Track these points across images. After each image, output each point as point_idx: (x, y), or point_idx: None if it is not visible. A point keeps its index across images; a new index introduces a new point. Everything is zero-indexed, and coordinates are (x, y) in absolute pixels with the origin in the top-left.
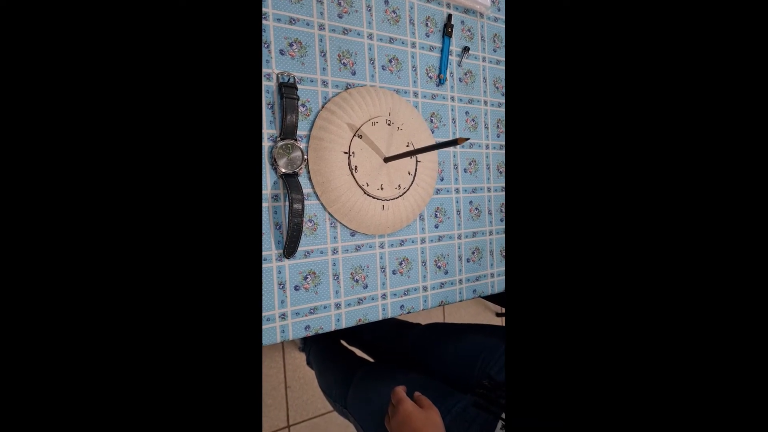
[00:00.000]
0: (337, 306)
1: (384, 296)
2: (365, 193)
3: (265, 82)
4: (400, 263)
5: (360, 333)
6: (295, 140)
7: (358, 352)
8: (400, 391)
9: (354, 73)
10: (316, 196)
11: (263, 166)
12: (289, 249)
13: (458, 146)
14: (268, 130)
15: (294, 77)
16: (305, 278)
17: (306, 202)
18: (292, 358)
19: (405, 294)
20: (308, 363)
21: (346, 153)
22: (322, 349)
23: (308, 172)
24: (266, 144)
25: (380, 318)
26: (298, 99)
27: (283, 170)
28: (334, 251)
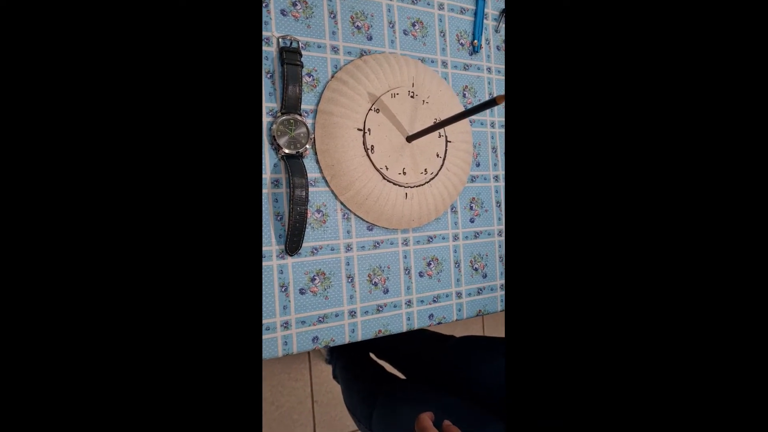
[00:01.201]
0: (352, 314)
1: (409, 303)
2: (384, 178)
3: (264, 48)
4: (429, 264)
5: (391, 345)
6: (299, 115)
7: (389, 367)
8: (426, 419)
9: (370, 38)
10: (325, 181)
11: (263, 146)
12: (292, 244)
13: (497, 127)
14: (267, 104)
15: (298, 42)
16: (313, 280)
17: (312, 189)
18: (319, 371)
19: (434, 301)
20: (334, 377)
21: (360, 130)
22: (349, 362)
23: (315, 152)
24: (265, 120)
25: (404, 329)
26: (302, 66)
27: (285, 150)
28: (348, 248)
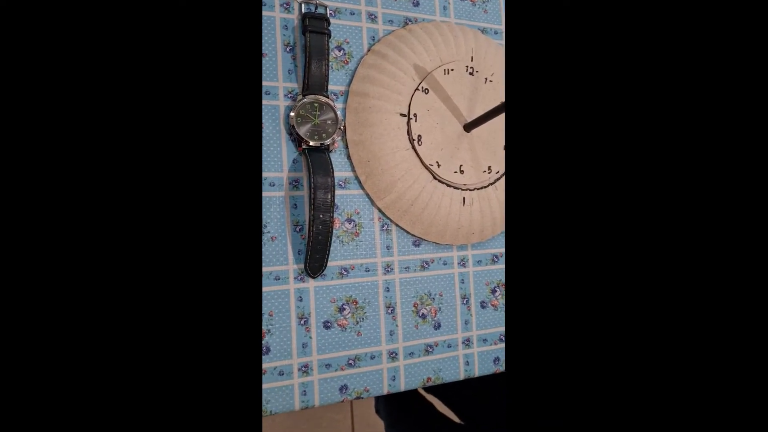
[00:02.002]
0: (393, 356)
1: (468, 342)
2: (435, 177)
3: (280, 14)
4: (493, 291)
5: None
6: (326, 97)
7: (440, 405)
8: None
9: (417, 4)
10: (359, 182)
11: (280, 137)
12: (314, 263)
13: None
14: (286, 84)
15: (325, 7)
16: (341, 310)
17: (341, 192)
18: (360, 403)
19: (502, 340)
20: (377, 411)
21: (404, 115)
22: (394, 397)
23: (346, 145)
24: (282, 103)
25: (461, 376)
26: (330, 36)
27: (310, 142)
28: (388, 269)
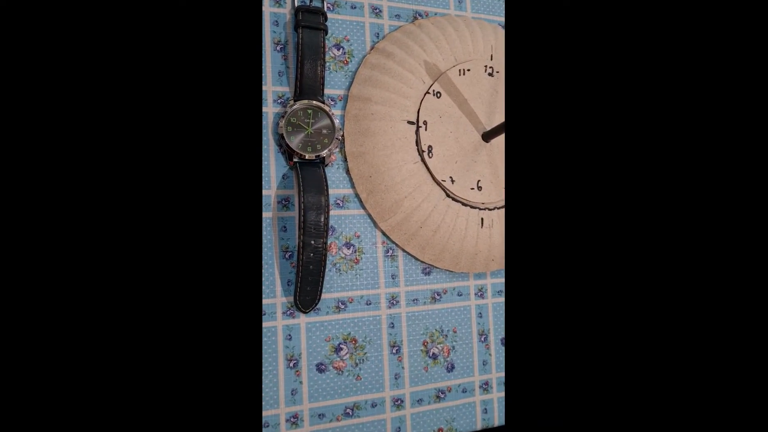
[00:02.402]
0: (398, 403)
1: (486, 387)
2: (449, 195)
3: (270, 8)
4: None
5: None
6: (322, 102)
7: None
8: None
9: None
10: (359, 200)
11: (268, 148)
12: (305, 295)
13: None
14: (275, 87)
15: None
16: (338, 350)
17: (338, 212)
18: None
19: None
20: None
21: (412, 123)
22: None
23: (344, 157)
24: (270, 110)
25: (478, 426)
26: (326, 32)
27: (303, 155)
28: (393, 301)
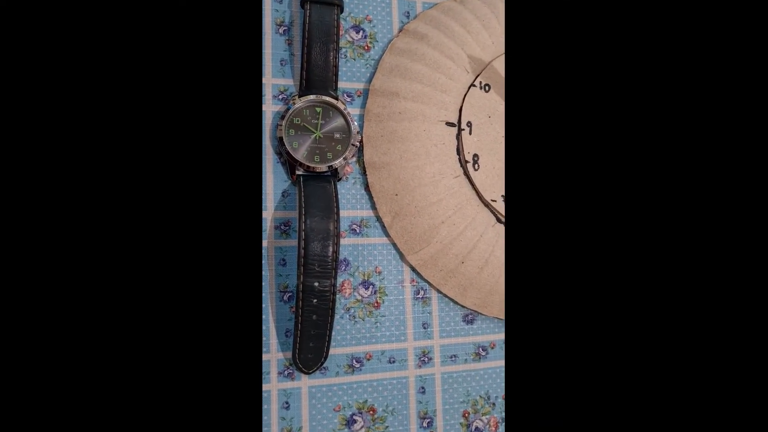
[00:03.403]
0: None
1: None
2: (500, 219)
3: None
4: None
5: None
6: (334, 98)
7: None
8: None
9: None
10: (381, 226)
11: (264, 157)
12: (307, 352)
13: None
14: (276, 80)
15: None
16: (350, 423)
17: (354, 240)
18: None
19: None
20: None
21: (452, 125)
22: None
23: (363, 170)
24: (269, 108)
25: None
26: (342, 9)
27: (309, 165)
28: (425, 358)
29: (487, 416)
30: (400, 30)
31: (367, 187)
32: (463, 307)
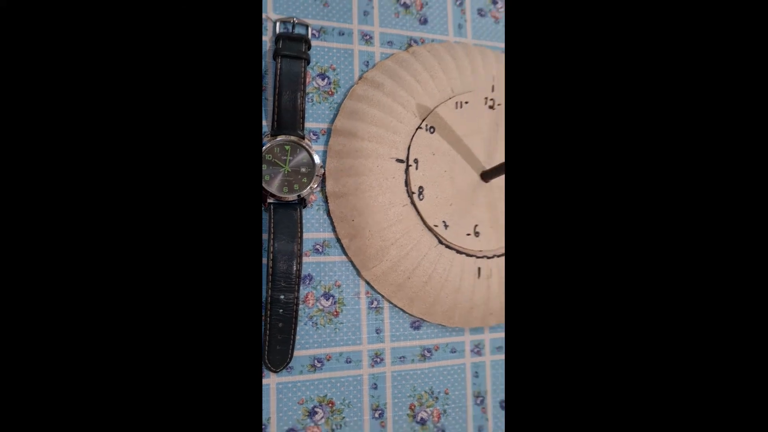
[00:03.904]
0: None
1: None
2: (441, 242)
3: None
4: None
5: None
6: (301, 137)
7: None
8: None
9: (424, 22)
10: (340, 246)
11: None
12: (275, 354)
13: None
14: None
15: (307, 26)
16: (312, 414)
17: (316, 258)
18: None
19: None
20: None
21: (401, 161)
22: None
23: (325, 197)
24: None
25: None
26: (308, 61)
27: (277, 195)
28: (377, 359)
29: (431, 408)
30: (360, 78)
31: (328, 213)
32: (410, 315)
